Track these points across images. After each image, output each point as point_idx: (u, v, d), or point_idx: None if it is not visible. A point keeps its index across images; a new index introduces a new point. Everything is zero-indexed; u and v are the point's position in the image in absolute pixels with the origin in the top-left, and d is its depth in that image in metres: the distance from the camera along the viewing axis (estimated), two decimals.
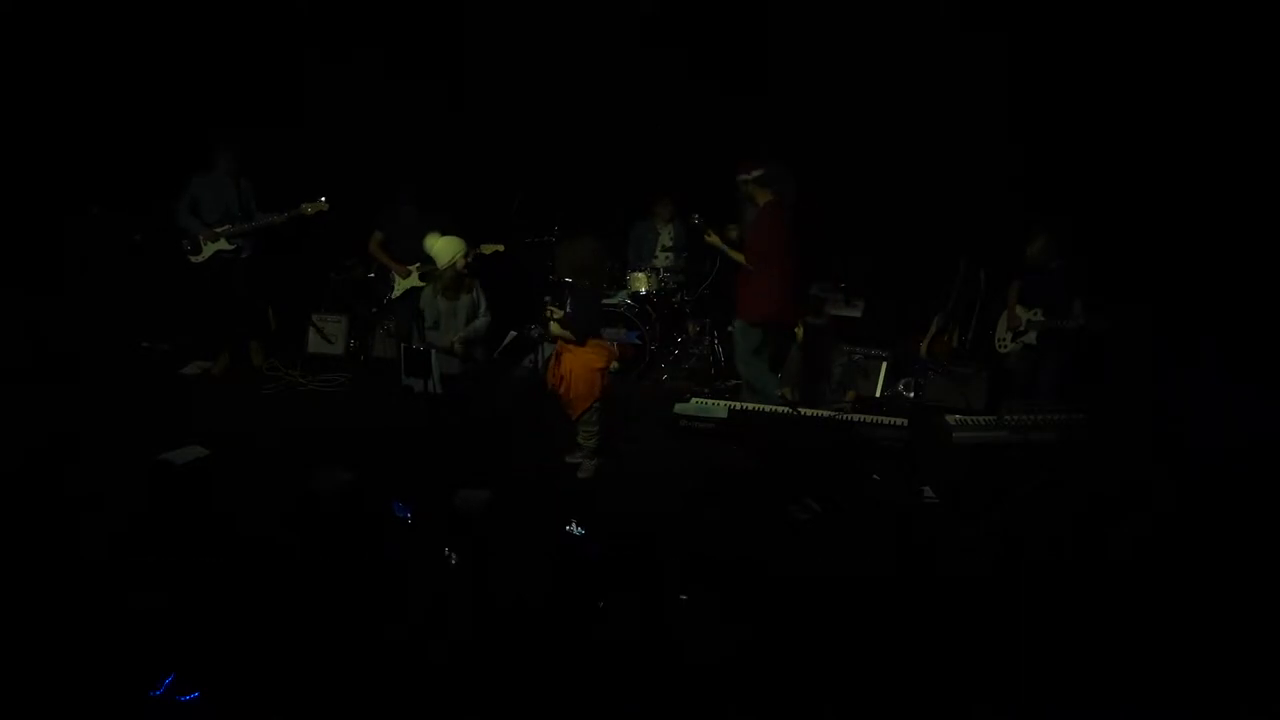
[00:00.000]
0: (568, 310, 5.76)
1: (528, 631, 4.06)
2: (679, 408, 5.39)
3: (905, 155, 7.43)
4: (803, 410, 5.26)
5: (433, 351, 5.66)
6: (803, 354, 5.49)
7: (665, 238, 7.69)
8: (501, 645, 3.98)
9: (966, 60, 7.21)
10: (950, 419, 5.32)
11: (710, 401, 5.48)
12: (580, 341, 5.69)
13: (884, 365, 6.94)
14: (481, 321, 5.92)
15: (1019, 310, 6.42)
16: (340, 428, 6.63)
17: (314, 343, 7.73)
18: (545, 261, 7.73)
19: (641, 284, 7.78)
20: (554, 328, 5.79)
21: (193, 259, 7.16)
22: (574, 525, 5.03)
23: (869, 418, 5.25)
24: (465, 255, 6.03)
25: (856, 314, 7.44)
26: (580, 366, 5.77)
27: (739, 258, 6.38)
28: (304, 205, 7.07)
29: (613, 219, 7.88)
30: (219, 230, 7.09)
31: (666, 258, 7.85)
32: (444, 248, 6.15)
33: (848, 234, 7.72)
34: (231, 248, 7.15)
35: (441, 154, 8.20)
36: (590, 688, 3.72)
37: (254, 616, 4.06)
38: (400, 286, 7.26)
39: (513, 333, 7.75)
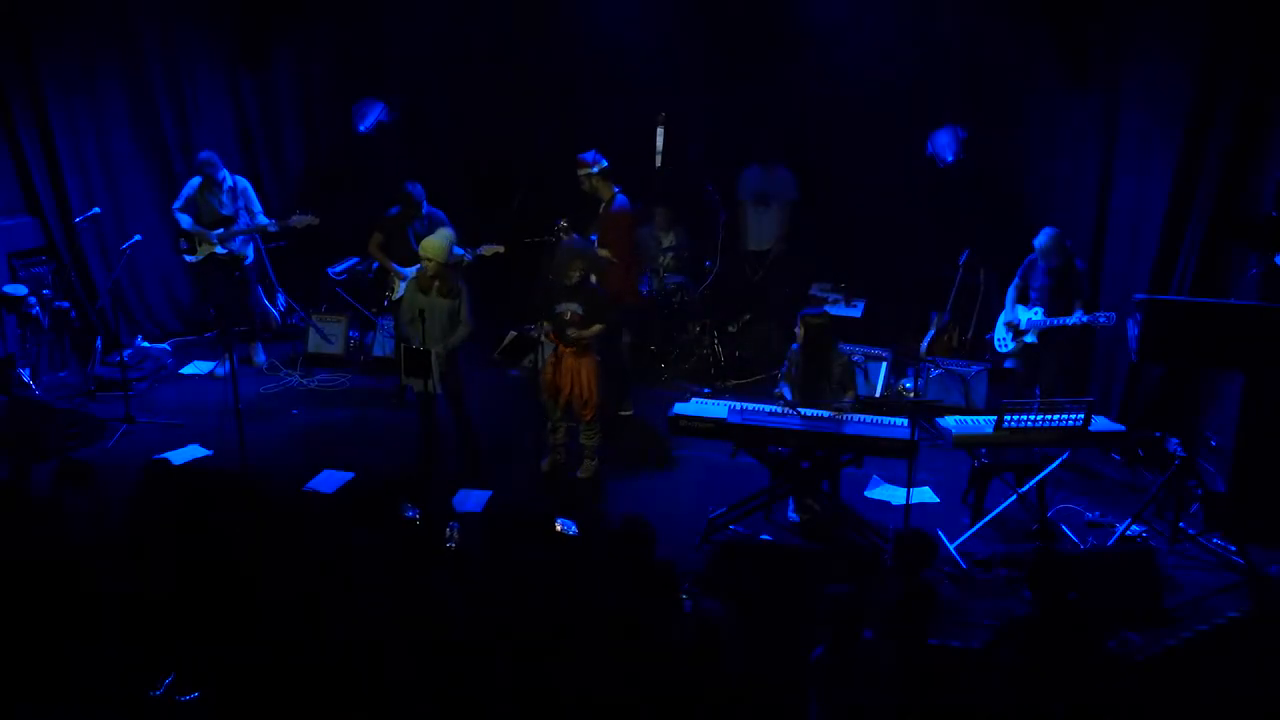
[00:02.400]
0: (580, 311, 5.73)
1: (526, 630, 4.07)
2: (679, 408, 5.38)
3: (905, 155, 7.42)
4: (802, 410, 5.25)
5: (433, 352, 5.64)
6: (803, 354, 5.47)
7: (666, 243, 7.68)
8: (500, 644, 3.99)
9: (966, 59, 7.20)
10: (950, 419, 5.31)
11: (710, 401, 5.47)
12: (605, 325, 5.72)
13: (884, 365, 6.94)
14: (463, 330, 5.83)
15: (1019, 310, 6.41)
16: (340, 427, 6.63)
17: (314, 343, 7.72)
18: (545, 261, 7.70)
19: None
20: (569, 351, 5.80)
21: (188, 259, 7.16)
22: (567, 524, 5.04)
23: (869, 418, 5.24)
24: (442, 258, 5.77)
25: (856, 314, 7.44)
26: (586, 367, 5.77)
27: (606, 254, 6.48)
28: (295, 219, 7.02)
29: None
30: (211, 234, 7.04)
31: (667, 258, 7.84)
32: (428, 242, 6.01)
33: (848, 234, 7.72)
34: (225, 251, 7.12)
35: (441, 154, 8.19)
36: (590, 687, 3.73)
37: (253, 615, 4.07)
38: (400, 288, 7.24)
39: (513, 333, 7.75)
